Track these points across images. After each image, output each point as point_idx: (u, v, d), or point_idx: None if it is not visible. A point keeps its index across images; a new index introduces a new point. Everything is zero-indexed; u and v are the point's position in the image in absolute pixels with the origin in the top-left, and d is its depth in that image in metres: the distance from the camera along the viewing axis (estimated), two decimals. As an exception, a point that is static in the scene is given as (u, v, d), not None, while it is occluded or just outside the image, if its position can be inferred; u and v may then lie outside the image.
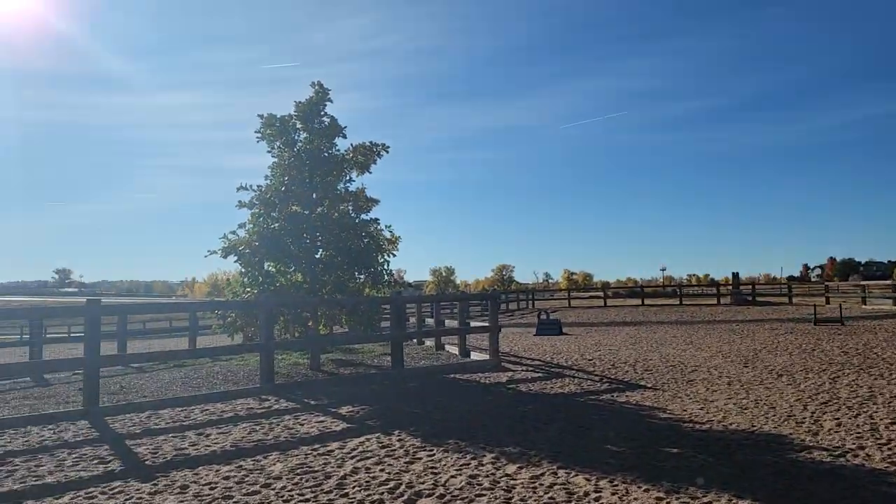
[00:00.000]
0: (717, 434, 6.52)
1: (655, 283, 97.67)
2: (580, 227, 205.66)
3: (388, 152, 13.83)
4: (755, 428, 6.71)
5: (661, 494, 4.66)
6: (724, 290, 40.95)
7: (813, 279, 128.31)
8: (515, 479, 5.11)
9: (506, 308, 39.52)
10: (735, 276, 43.01)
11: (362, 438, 6.63)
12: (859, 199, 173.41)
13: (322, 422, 7.58)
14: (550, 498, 4.65)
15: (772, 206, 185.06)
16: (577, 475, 5.19)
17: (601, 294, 45.84)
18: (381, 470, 5.47)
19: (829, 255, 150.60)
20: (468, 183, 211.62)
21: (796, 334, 17.19)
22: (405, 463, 5.68)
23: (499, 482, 5.05)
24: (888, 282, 42.05)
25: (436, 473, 5.33)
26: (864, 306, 29.76)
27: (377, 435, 6.77)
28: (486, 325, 13.08)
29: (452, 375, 11.34)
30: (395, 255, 13.85)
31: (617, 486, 4.90)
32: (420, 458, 5.81)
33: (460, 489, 4.90)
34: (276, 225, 12.67)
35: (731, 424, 6.91)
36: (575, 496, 4.69)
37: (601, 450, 5.98)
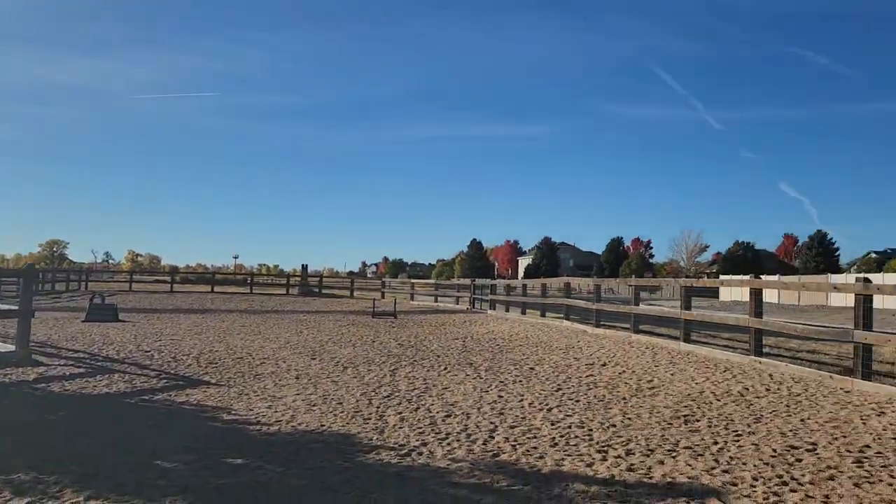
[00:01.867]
0: (285, 436, 5.96)
1: (227, 270, 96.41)
2: (148, 206, 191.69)
3: None
4: (324, 427, 6.35)
5: (221, 523, 3.84)
6: (293, 280, 42.02)
7: (369, 275, 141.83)
8: (20, 524, 3.73)
9: (52, 289, 34.23)
10: (304, 268, 44.57)
11: None
12: (394, 206, 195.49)
13: None
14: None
15: (338, 205, 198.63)
16: (112, 508, 4.03)
17: (168, 279, 42.91)
18: None
19: (383, 254, 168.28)
20: (23, 142, 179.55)
21: (358, 326, 18.07)
22: None
23: (-7, 531, 3.62)
24: (430, 281, 48.43)
25: None
26: (411, 301, 33.38)
27: None
28: (15, 307, 10.58)
29: (-44, 372, 8.76)
30: None
31: (165, 518, 3.90)
32: None
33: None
34: None
35: (300, 424, 6.44)
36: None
37: (149, 466, 4.88)
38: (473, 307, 27.24)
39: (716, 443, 5.80)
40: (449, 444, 5.78)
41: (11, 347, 10.20)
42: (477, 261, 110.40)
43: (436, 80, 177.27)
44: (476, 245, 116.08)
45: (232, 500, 4.22)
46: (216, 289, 38.41)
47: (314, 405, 7.35)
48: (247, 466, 4.99)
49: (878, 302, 33.31)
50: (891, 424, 6.50)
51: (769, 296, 43.82)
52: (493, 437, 5.99)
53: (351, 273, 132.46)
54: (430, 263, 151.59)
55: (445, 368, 10.28)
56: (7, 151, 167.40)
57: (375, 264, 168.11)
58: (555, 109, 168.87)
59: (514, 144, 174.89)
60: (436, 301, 32.70)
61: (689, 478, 4.80)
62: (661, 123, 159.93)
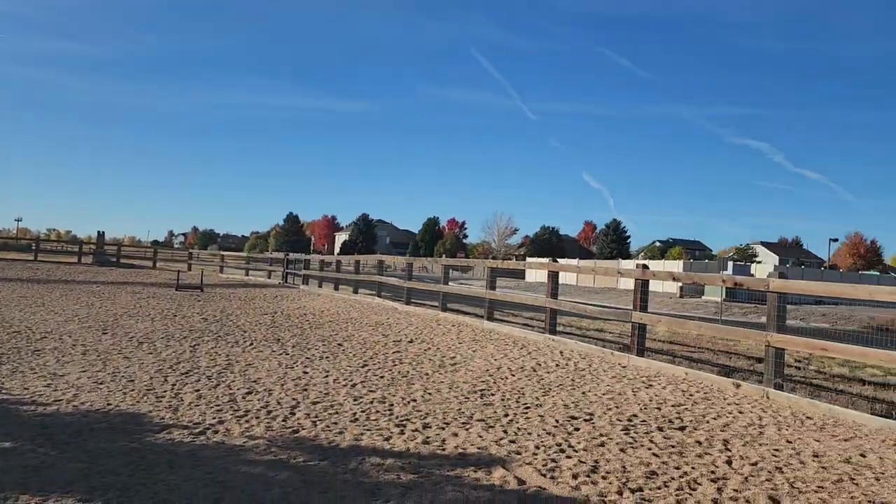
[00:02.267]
0: (65, 417, 5.50)
1: (7, 234, 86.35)
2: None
3: None
4: (111, 406, 5.93)
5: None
6: (87, 248, 38.60)
7: (176, 245, 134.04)
8: None
9: None
10: (100, 235, 41.14)
11: None
12: (207, 173, 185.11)
13: None
14: None
15: (144, 168, 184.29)
16: None
17: (-69, 241, 37.60)
18: None
19: (193, 224, 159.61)
20: None
21: (159, 299, 17.03)
22: None
23: None
24: (242, 254, 46.71)
25: None
26: (221, 274, 32.01)
27: None
28: None
29: None
30: None
31: None
32: None
33: None
34: None
35: (83, 404, 5.96)
36: None
37: None
38: (286, 282, 26.70)
39: (507, 415, 6.18)
40: (248, 421, 5.65)
41: None
42: (293, 235, 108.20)
43: (258, 46, 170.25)
44: (292, 219, 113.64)
45: (-6, 488, 3.83)
46: (-7, 254, 34.30)
47: (101, 383, 6.84)
48: (15, 450, 4.55)
49: (660, 286, 37.11)
50: (656, 395, 7.32)
51: (569, 278, 47.28)
52: (295, 414, 5.94)
53: (155, 243, 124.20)
54: (243, 236, 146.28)
55: (251, 344, 10.01)
56: None
57: (184, 234, 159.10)
58: (378, 86, 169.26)
59: (335, 118, 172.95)
60: (247, 275, 31.64)
61: (479, 448, 5.09)
62: (480, 108, 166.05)
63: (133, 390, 6.58)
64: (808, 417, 6.65)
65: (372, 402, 6.49)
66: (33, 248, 38.98)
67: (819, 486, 4.54)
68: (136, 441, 4.92)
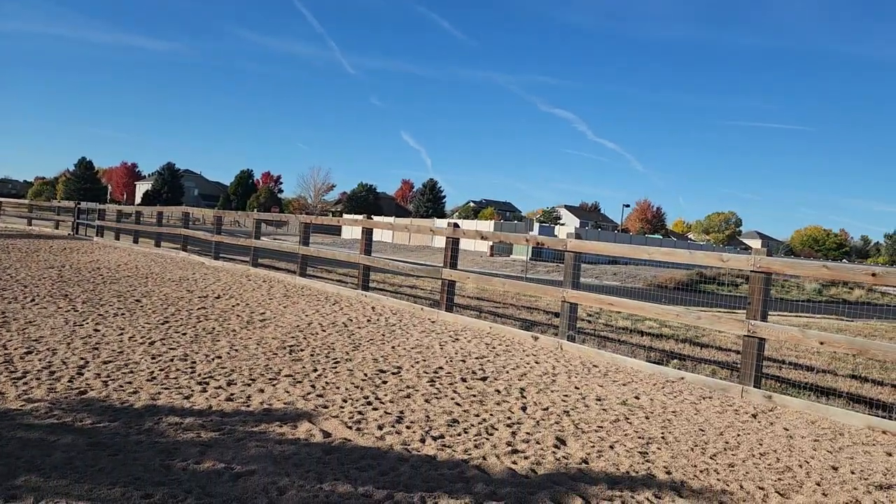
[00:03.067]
0: None
1: None
2: None
3: None
4: None
5: None
6: None
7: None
8: None
9: None
10: None
11: None
12: None
13: None
14: None
15: None
16: None
17: None
18: None
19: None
20: None
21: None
22: None
23: None
24: (24, 201, 41.99)
25: None
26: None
27: None
28: None
29: None
30: None
31: None
32: None
33: None
34: None
35: None
36: None
37: None
38: (77, 233, 24.42)
39: (315, 370, 6.15)
40: (26, 383, 5.12)
41: None
42: (86, 182, 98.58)
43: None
44: (85, 164, 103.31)
45: None
46: None
47: None
48: None
49: (472, 245, 38.49)
50: (462, 349, 7.64)
51: (385, 236, 47.73)
52: (83, 374, 5.47)
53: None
54: (26, 181, 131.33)
55: (33, 300, 9.05)
56: None
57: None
58: (187, 26, 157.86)
59: (137, 57, 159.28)
60: (30, 224, 28.52)
61: (286, 403, 5.02)
62: (297, 59, 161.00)
63: None
64: (594, 366, 7.30)
65: (172, 360, 6.15)
66: None
67: (599, 426, 5.02)
68: None
